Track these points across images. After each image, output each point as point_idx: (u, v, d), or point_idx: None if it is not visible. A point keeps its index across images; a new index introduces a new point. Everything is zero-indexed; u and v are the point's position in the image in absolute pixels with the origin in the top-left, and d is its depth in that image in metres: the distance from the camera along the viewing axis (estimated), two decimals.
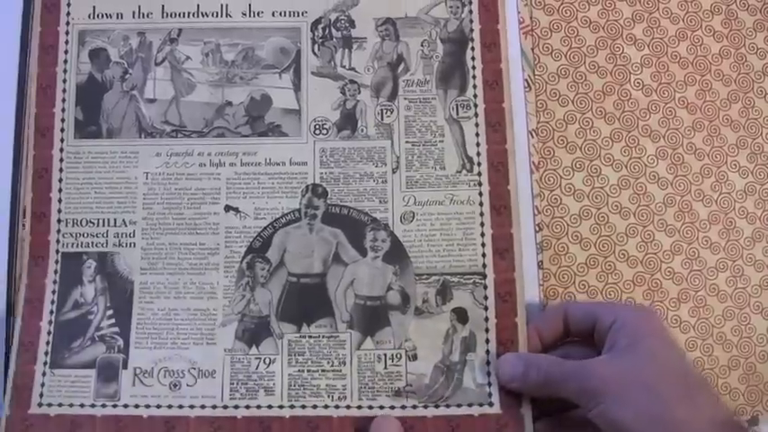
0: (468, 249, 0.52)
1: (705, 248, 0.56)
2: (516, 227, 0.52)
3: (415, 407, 0.50)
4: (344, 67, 0.54)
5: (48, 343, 0.51)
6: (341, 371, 0.51)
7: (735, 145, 0.57)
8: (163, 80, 0.54)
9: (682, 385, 0.44)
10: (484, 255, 0.52)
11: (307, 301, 0.51)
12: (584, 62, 0.57)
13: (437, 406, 0.50)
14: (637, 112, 0.57)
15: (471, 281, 0.52)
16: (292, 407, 0.50)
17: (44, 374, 0.50)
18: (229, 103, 0.54)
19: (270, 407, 0.50)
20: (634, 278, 0.55)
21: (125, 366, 0.51)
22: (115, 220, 0.52)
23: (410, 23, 0.55)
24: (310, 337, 0.51)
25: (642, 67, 0.57)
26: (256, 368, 0.51)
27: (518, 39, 0.56)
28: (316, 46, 0.54)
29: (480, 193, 0.53)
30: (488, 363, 0.51)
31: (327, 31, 0.54)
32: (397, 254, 0.52)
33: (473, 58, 0.54)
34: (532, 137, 0.56)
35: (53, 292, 0.51)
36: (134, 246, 0.52)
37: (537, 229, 0.55)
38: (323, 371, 0.50)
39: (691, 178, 0.57)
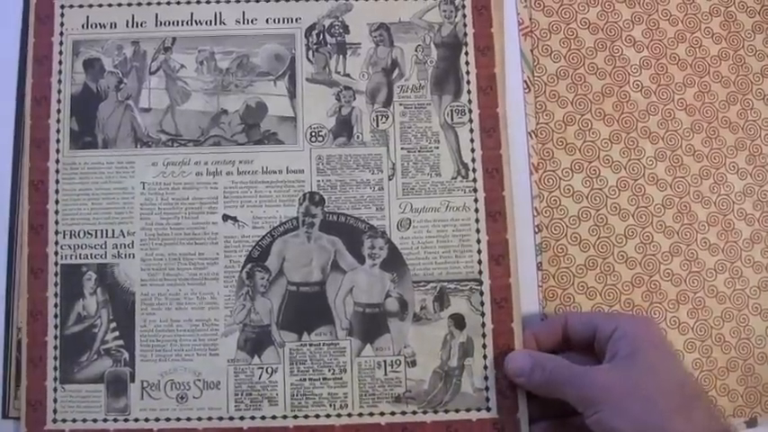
0: (465, 256, 0.52)
1: (704, 250, 0.56)
2: (512, 233, 0.52)
3: (414, 412, 0.51)
4: (339, 73, 0.54)
5: (56, 358, 0.51)
6: (342, 378, 0.51)
7: (733, 147, 0.57)
8: (158, 89, 0.54)
9: (679, 397, 0.44)
10: (480, 261, 0.52)
11: (307, 310, 0.52)
12: (584, 64, 0.57)
13: (436, 411, 0.51)
14: (636, 113, 0.57)
15: (468, 287, 0.52)
16: (296, 417, 0.51)
17: (55, 390, 0.51)
18: (225, 112, 0.53)
19: (274, 417, 0.51)
20: (633, 279, 0.55)
21: (132, 380, 0.51)
22: (113, 231, 0.52)
23: (404, 28, 0.55)
24: (311, 345, 0.51)
25: (641, 68, 0.57)
26: (259, 378, 0.51)
27: (517, 40, 0.56)
28: (310, 52, 0.54)
29: (476, 200, 0.53)
30: (486, 368, 0.51)
31: (322, 37, 0.54)
32: (394, 261, 0.52)
33: (467, 63, 0.54)
34: (531, 138, 0.56)
35: (55, 305, 0.51)
36: (133, 257, 0.52)
37: (536, 230, 0.55)
38: (324, 379, 0.51)
39: (689, 180, 0.57)
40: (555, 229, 0.55)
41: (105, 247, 0.52)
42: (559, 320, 0.51)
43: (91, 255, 0.52)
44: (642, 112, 0.57)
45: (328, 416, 0.51)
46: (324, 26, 0.54)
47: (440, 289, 0.52)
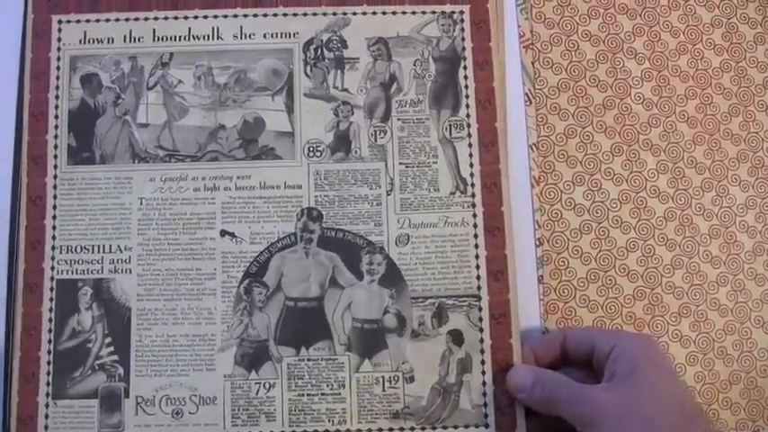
0: (463, 272, 0.52)
1: (706, 263, 0.56)
2: (510, 248, 0.52)
3: (412, 429, 0.50)
4: (337, 88, 0.54)
5: (48, 373, 0.51)
6: (340, 394, 0.51)
7: (735, 159, 0.57)
8: (155, 104, 0.53)
9: (678, 416, 0.44)
10: (478, 277, 0.52)
11: (305, 325, 0.51)
12: (585, 76, 0.57)
13: (434, 428, 0.50)
14: (637, 126, 0.57)
15: (466, 303, 0.52)
16: None
17: (47, 406, 0.50)
18: (222, 127, 0.53)
19: None
20: (634, 293, 0.55)
21: (126, 395, 0.51)
22: (110, 246, 0.52)
23: (402, 43, 0.54)
24: (309, 360, 0.51)
25: (643, 80, 0.57)
26: (257, 393, 0.51)
27: (518, 53, 0.56)
28: (308, 67, 0.54)
29: (474, 215, 0.52)
30: (484, 384, 0.51)
31: (319, 51, 0.54)
32: (392, 277, 0.52)
33: (466, 77, 0.54)
34: (533, 151, 0.56)
35: (50, 320, 0.51)
36: (130, 272, 0.52)
37: (537, 243, 0.55)
38: (323, 394, 0.51)
39: (691, 192, 0.56)
40: (556, 243, 0.55)
41: (102, 263, 0.52)
42: (558, 336, 0.50)
43: (87, 270, 0.52)
44: (644, 124, 0.57)
45: (326, 431, 0.50)
46: (322, 41, 0.54)
47: (438, 305, 0.52)
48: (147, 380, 0.51)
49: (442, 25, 0.55)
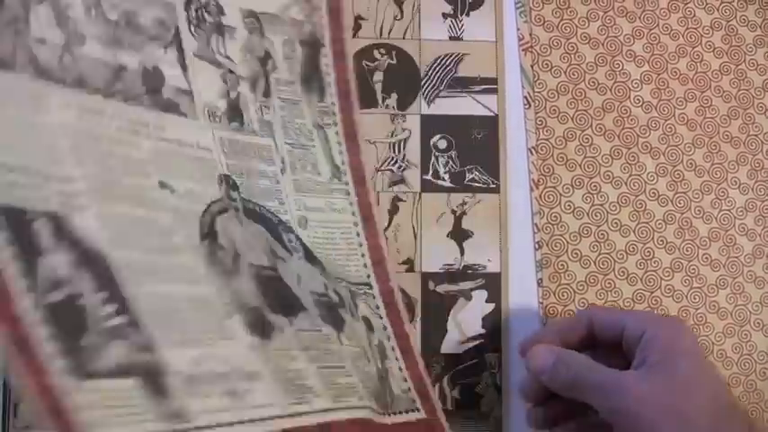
0: (353, 259, 0.50)
1: (705, 265, 0.56)
2: (383, 238, 0.50)
3: (381, 414, 0.46)
4: (221, 54, 0.49)
5: (55, 338, 0.33)
6: (344, 367, 0.45)
7: (735, 161, 0.57)
8: (48, 22, 0.41)
9: (713, 412, 0.41)
10: (365, 265, 0.50)
11: (280, 293, 0.45)
12: (584, 79, 0.57)
13: (388, 413, 0.46)
14: (636, 128, 0.57)
15: (362, 291, 0.49)
16: (340, 409, 0.43)
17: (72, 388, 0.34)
18: (124, 68, 0.44)
19: (326, 411, 0.42)
20: (634, 296, 0.55)
21: (163, 372, 0.36)
22: (47, 173, 0.37)
23: (272, 20, 0.51)
24: (305, 330, 0.44)
25: (642, 83, 0.57)
26: (289, 367, 0.42)
27: (517, 55, 0.56)
28: (191, 27, 0.48)
29: (351, 203, 0.51)
30: (401, 369, 0.48)
31: (200, 12, 0.49)
32: (311, 256, 0.48)
33: (327, 65, 0.52)
34: (532, 154, 0.55)
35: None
36: (84, 210, 0.37)
37: (536, 246, 0.55)
38: (335, 368, 0.45)
39: (691, 195, 0.56)
40: (555, 246, 0.55)
41: (44, 189, 0.36)
42: (584, 316, 0.47)
43: (27, 196, 0.35)
44: (643, 127, 0.57)
45: (364, 407, 0.44)
46: (201, 2, 0.49)
47: (350, 289, 0.48)
48: (178, 352, 0.37)
49: (303, 9, 0.52)
